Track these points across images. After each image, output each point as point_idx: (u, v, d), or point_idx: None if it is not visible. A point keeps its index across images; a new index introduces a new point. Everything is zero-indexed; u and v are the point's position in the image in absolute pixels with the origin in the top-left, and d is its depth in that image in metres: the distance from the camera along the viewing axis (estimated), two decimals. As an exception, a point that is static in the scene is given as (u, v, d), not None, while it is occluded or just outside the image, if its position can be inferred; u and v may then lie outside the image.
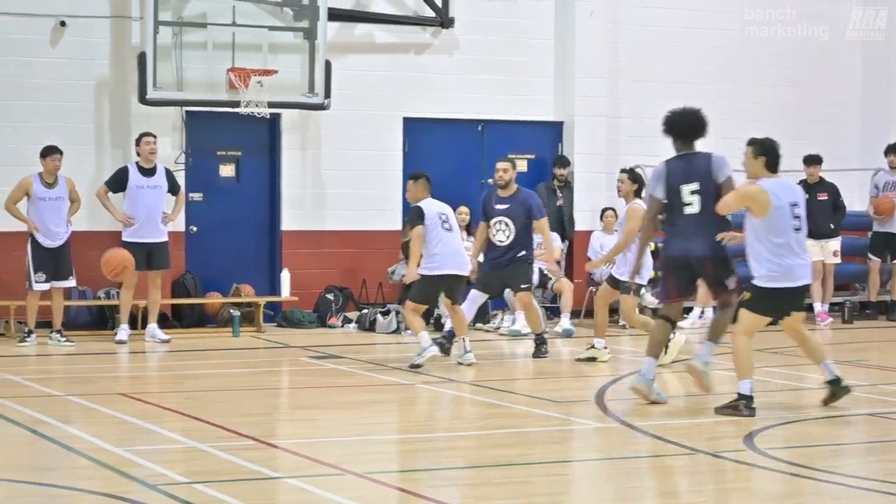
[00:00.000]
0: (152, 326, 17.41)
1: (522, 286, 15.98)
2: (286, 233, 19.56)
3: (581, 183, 20.58)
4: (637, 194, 15.28)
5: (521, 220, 15.89)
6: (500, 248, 15.89)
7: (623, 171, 15.59)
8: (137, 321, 17.70)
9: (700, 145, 12.79)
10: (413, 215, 14.87)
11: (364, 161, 19.70)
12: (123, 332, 17.22)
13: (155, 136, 17.62)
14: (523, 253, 15.96)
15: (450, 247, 15.02)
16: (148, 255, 17.29)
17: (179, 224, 18.36)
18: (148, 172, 17.43)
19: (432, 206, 15.03)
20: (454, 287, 15.17)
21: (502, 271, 15.96)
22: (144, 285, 17.33)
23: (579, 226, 20.45)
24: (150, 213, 17.34)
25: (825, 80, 22.23)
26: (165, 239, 17.50)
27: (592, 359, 15.48)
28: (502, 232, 15.86)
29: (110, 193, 17.45)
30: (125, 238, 17.34)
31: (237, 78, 18.54)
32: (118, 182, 17.41)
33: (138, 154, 17.57)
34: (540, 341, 16.09)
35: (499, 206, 15.96)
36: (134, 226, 17.27)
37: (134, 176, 17.38)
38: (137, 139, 17.62)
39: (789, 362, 15.55)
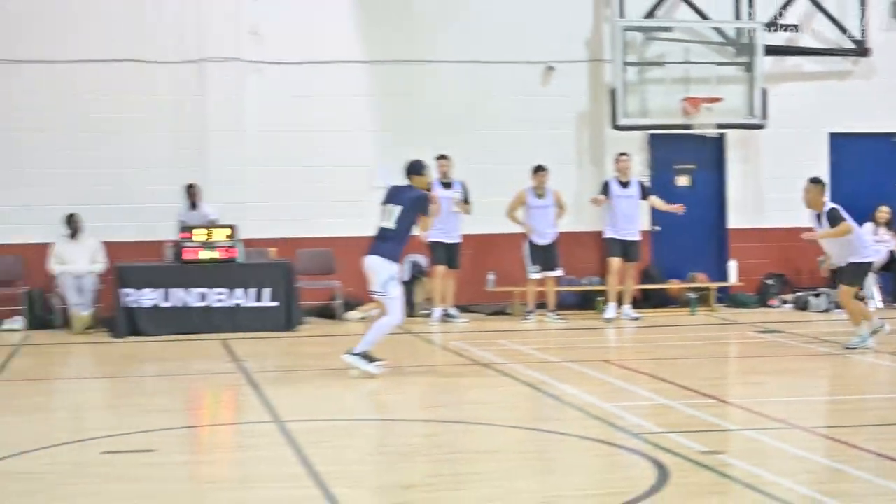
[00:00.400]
0: (626, 307, 17.47)
1: None
2: (732, 230, 19.32)
3: None
4: None
5: None
6: None
7: None
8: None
9: None
10: (839, 214, 14.12)
11: (796, 170, 19.11)
12: (610, 310, 17.31)
13: (628, 155, 17.71)
14: None
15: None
16: (624, 250, 17.36)
17: (645, 223, 18.34)
18: (624, 185, 17.50)
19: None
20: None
21: None
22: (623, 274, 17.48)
23: None
24: (626, 216, 17.37)
25: None
26: (639, 238, 17.55)
27: None
28: None
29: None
30: (607, 235, 17.48)
31: (690, 105, 18.45)
32: (603, 193, 17.51)
33: (616, 170, 17.66)
34: None
35: None
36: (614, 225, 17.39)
37: (614, 187, 17.48)
38: (616, 158, 17.73)
39: None
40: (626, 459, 8.53)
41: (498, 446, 9.21)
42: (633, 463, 8.38)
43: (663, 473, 7.92)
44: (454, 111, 18.66)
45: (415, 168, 12.41)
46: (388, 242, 12.15)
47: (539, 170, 17.44)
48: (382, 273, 12.09)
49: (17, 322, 17.29)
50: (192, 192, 17.57)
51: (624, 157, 17.56)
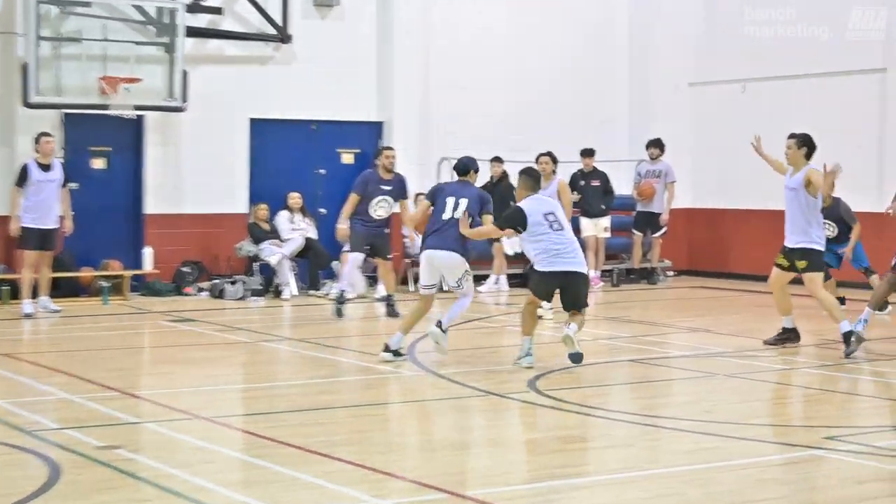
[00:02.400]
0: (44, 298, 16.80)
1: (389, 256, 16.05)
2: (149, 216, 19.15)
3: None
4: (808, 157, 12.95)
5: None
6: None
7: (791, 136, 13.24)
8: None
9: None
10: None
11: (216, 155, 19.43)
12: (28, 305, 16.40)
13: (52, 136, 16.91)
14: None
15: None
16: (42, 239, 16.61)
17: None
18: (46, 168, 16.77)
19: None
20: None
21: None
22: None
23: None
24: (47, 202, 16.50)
25: (597, 80, 22.50)
26: (57, 226, 16.82)
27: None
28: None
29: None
30: (24, 224, 16.64)
31: (107, 85, 18.18)
32: (22, 178, 16.67)
33: (37, 151, 16.83)
34: (390, 303, 15.95)
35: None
36: (33, 215, 16.60)
37: (34, 172, 16.67)
38: (37, 138, 16.77)
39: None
40: (17, 458, 8.27)
41: None
42: (24, 461, 8.16)
43: (55, 471, 7.76)
44: None
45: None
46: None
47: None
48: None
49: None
50: None
51: (48, 139, 16.64)
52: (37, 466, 7.95)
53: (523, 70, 21.63)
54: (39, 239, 16.52)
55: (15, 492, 7.35)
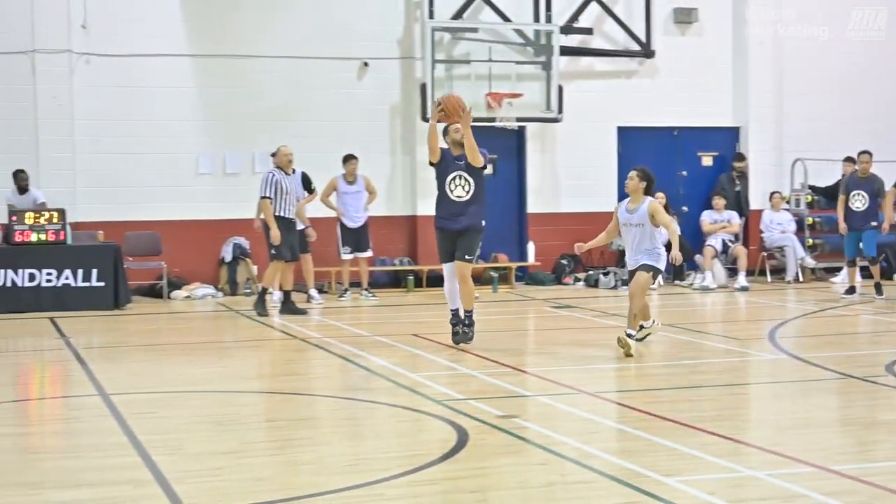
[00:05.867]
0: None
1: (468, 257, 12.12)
2: (531, 214, 19.58)
3: (754, 173, 20.07)
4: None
5: None
6: None
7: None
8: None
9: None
10: None
11: (588, 160, 19.61)
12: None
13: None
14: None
15: None
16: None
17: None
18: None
19: None
20: None
21: None
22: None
23: (753, 205, 19.94)
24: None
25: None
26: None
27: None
28: None
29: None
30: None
31: (492, 100, 18.65)
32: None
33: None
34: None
35: None
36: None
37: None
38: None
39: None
40: (430, 424, 8.59)
41: (312, 414, 9.20)
42: (437, 427, 8.45)
43: (463, 436, 8.01)
44: (276, 104, 18.49)
45: None
46: None
47: (349, 158, 17.34)
48: None
49: None
50: (20, 178, 17.07)
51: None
52: (446, 431, 8.21)
53: (867, 74, 20.80)
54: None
55: (429, 452, 7.64)
